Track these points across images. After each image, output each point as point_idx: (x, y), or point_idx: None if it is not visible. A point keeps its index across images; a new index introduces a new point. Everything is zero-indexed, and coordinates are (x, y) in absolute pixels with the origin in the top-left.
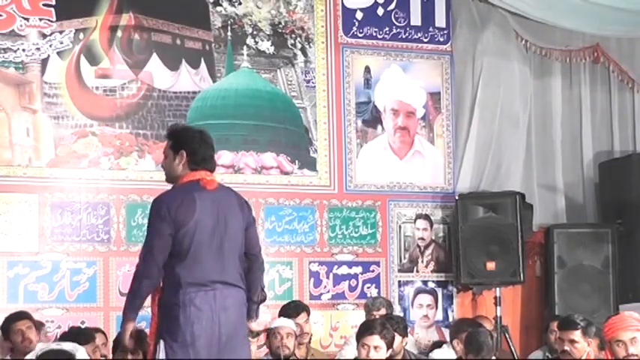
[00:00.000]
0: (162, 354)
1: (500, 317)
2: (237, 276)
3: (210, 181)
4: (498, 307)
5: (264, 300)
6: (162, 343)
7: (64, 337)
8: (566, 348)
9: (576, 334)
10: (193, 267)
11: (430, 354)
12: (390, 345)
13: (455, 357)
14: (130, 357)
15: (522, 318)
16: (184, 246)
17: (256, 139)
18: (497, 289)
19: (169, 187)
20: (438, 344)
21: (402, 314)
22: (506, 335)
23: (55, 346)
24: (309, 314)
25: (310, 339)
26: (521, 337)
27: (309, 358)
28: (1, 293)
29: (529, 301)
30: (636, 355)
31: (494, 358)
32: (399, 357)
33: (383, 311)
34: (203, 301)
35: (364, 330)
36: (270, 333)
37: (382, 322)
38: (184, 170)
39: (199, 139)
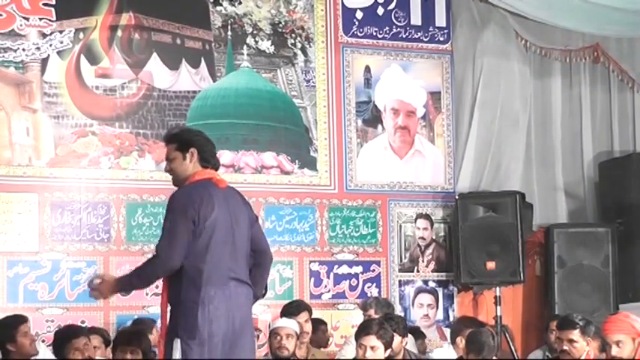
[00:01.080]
0: (178, 353)
1: (501, 317)
2: (246, 273)
3: (221, 179)
4: (498, 307)
5: (263, 296)
6: (178, 341)
7: (57, 334)
8: (565, 348)
9: (575, 334)
10: (211, 264)
11: (430, 354)
12: (388, 345)
13: (455, 356)
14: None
15: (522, 317)
16: (202, 242)
17: (256, 138)
18: (498, 288)
19: (170, 186)
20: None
21: (402, 314)
22: (507, 335)
23: (47, 350)
24: (310, 314)
25: (328, 341)
26: (521, 337)
27: (309, 357)
28: (1, 293)
29: (529, 301)
30: (620, 358)
31: (495, 358)
32: (399, 357)
33: (372, 312)
34: (221, 299)
35: (361, 330)
36: (271, 333)
37: (379, 322)
38: (195, 168)
39: (204, 137)
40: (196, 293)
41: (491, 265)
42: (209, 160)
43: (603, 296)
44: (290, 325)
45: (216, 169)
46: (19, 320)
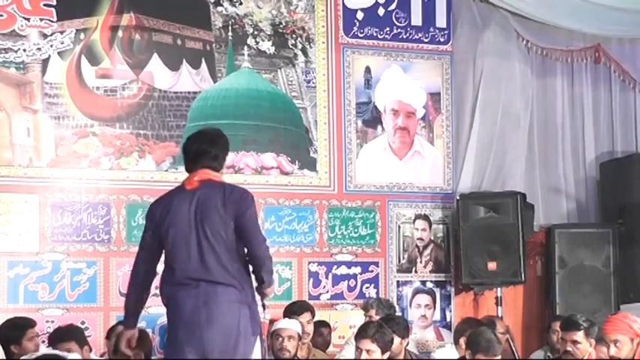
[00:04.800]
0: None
1: (502, 317)
2: (224, 273)
3: (190, 180)
4: (499, 307)
5: (268, 285)
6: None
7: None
8: (569, 349)
9: (579, 335)
10: (173, 266)
11: (432, 354)
12: (386, 348)
13: (457, 356)
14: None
15: (523, 318)
16: (167, 246)
17: (256, 139)
18: (499, 289)
19: (170, 186)
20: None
21: (399, 314)
22: (508, 335)
23: (47, 350)
24: (313, 315)
25: (330, 343)
26: (522, 337)
27: (310, 358)
28: (2, 293)
29: (530, 301)
30: (618, 357)
31: (496, 358)
32: (401, 357)
33: (372, 312)
34: (185, 296)
35: (357, 333)
36: (272, 334)
37: (377, 325)
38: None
39: (183, 145)
40: (165, 293)
41: (492, 265)
42: (186, 164)
43: (604, 297)
44: (292, 326)
45: (192, 164)
46: (28, 324)
